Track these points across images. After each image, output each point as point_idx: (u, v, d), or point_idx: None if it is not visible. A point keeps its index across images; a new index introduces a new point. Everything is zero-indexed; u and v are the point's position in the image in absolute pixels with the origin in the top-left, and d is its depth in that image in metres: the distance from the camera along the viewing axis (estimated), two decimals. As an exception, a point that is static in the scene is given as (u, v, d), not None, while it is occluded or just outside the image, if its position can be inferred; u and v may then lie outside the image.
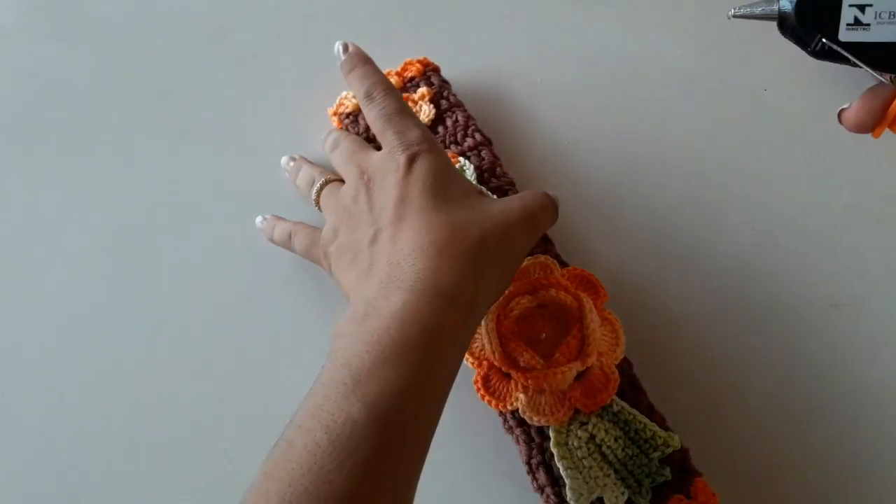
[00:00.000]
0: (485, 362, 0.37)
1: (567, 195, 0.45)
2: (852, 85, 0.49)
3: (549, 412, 0.36)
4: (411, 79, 0.48)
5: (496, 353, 0.36)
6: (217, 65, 0.52)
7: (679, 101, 0.49)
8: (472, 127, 0.46)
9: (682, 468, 0.35)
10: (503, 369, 0.36)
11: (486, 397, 0.36)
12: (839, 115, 0.31)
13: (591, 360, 0.36)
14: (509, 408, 0.36)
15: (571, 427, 0.36)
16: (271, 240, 0.43)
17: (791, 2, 0.28)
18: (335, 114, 0.48)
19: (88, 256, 0.45)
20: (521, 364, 0.36)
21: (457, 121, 0.46)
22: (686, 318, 0.42)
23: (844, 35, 0.28)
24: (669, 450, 0.35)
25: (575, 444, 0.35)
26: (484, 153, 0.45)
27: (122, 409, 0.40)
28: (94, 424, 0.40)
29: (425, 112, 0.46)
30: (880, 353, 0.41)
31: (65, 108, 0.51)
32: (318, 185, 0.42)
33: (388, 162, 0.37)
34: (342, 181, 0.41)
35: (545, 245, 0.42)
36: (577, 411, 0.36)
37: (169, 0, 0.55)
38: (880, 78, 0.28)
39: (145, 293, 0.43)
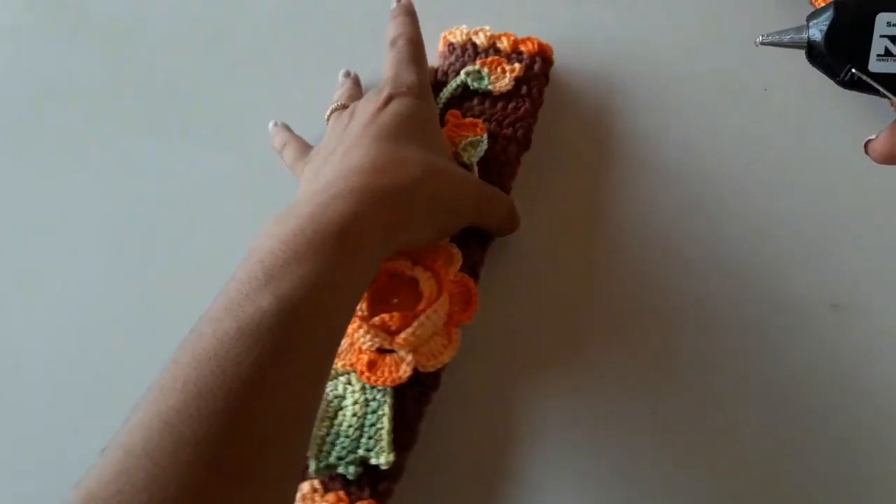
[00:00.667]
0: (364, 353, 0.37)
1: (567, 195, 0.45)
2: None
3: (443, 348, 0.38)
4: (519, 52, 0.47)
5: (370, 332, 0.37)
6: (217, 65, 0.52)
7: (678, 101, 0.49)
8: (523, 124, 0.45)
9: (368, 480, 0.35)
10: (386, 343, 0.37)
11: (375, 378, 0.37)
12: (865, 146, 0.31)
13: (447, 283, 0.39)
14: (404, 376, 0.37)
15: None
16: (273, 146, 0.46)
17: (821, 31, 0.28)
18: (445, 39, 0.49)
19: (88, 256, 0.45)
20: (397, 330, 0.37)
21: (517, 108, 0.45)
22: (685, 318, 0.42)
23: (875, 66, 0.27)
24: (371, 459, 0.35)
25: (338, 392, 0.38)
26: (510, 150, 0.44)
27: (121, 410, 0.40)
28: (94, 425, 0.40)
29: (502, 83, 0.46)
30: (880, 353, 0.41)
31: (65, 108, 0.51)
32: (331, 108, 0.45)
33: (374, 96, 0.40)
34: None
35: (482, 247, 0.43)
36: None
37: (169, 0, 0.55)
38: None
39: (145, 293, 0.43)
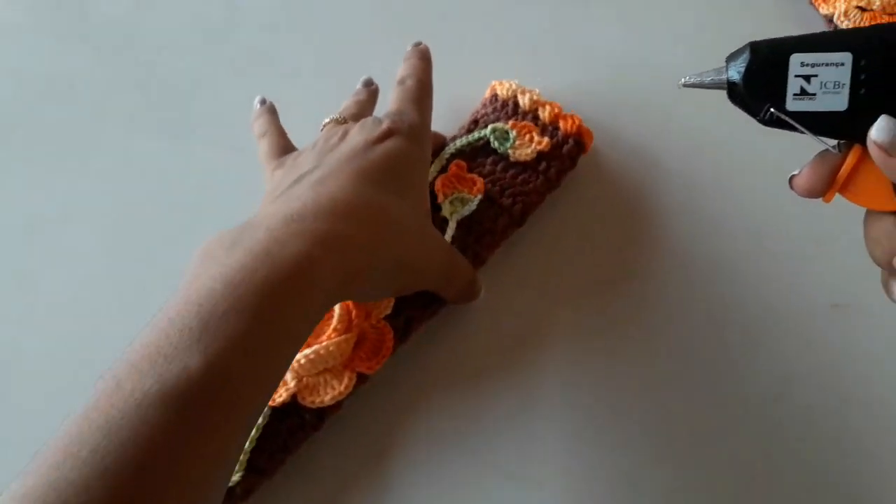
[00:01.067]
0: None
1: (565, 197, 0.45)
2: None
3: (330, 389, 0.36)
4: (556, 127, 0.45)
5: None
6: (217, 65, 0.52)
7: (678, 102, 0.49)
8: (525, 200, 0.42)
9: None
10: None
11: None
12: (790, 181, 0.32)
13: (363, 324, 0.38)
14: (278, 401, 0.36)
15: None
16: (252, 129, 0.43)
17: (739, 72, 0.29)
18: (492, 88, 0.47)
19: (88, 256, 0.45)
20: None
21: (526, 181, 0.43)
22: (685, 318, 0.42)
23: (792, 105, 0.28)
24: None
25: None
26: (500, 221, 0.42)
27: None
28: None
29: (524, 151, 0.43)
30: (880, 353, 0.41)
31: (65, 108, 0.51)
32: (333, 117, 0.42)
33: (373, 123, 0.37)
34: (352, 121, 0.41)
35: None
36: (360, 376, 0.38)
37: (169, 0, 0.55)
38: (827, 145, 0.29)
39: (145, 293, 0.43)
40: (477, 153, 0.44)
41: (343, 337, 0.36)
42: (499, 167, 0.43)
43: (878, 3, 0.48)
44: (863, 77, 0.28)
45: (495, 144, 0.44)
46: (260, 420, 0.36)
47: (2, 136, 0.50)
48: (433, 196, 0.42)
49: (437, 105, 0.49)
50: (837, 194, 0.30)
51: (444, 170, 0.43)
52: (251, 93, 0.51)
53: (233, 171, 0.48)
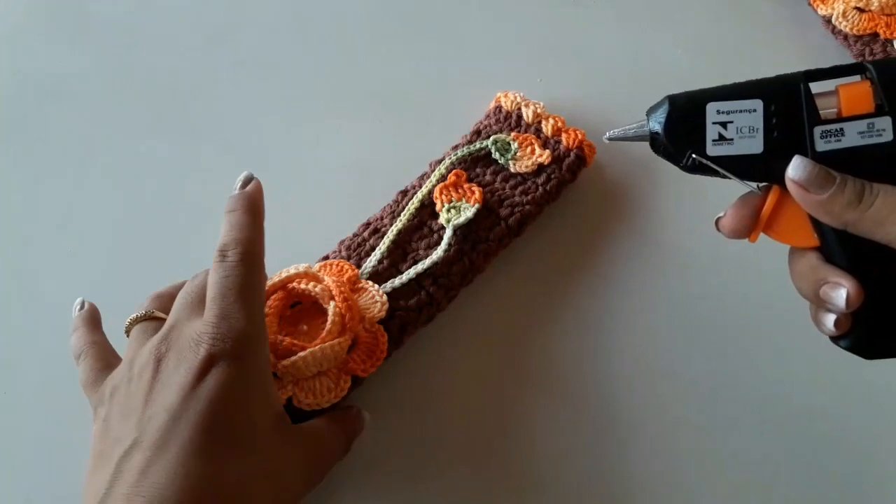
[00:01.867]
0: None
1: (565, 208, 0.45)
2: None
3: (326, 391, 0.36)
4: (558, 140, 0.45)
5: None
6: (217, 65, 0.52)
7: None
8: (522, 211, 0.42)
9: None
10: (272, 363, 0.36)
11: None
12: (716, 223, 0.33)
13: (357, 328, 0.38)
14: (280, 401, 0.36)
15: None
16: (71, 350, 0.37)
17: (659, 123, 0.31)
18: (497, 99, 0.47)
19: (88, 256, 0.45)
20: (284, 354, 0.36)
21: (524, 193, 0.43)
22: (684, 318, 0.42)
23: (712, 150, 0.30)
24: None
25: None
26: (496, 231, 0.42)
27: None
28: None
29: (524, 163, 0.44)
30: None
31: (65, 108, 0.51)
32: (132, 317, 0.36)
33: (189, 351, 0.31)
34: (162, 320, 0.35)
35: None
36: (355, 379, 0.37)
37: (169, 0, 0.55)
38: (751, 187, 0.31)
39: (145, 293, 0.43)
40: (478, 163, 0.45)
41: (337, 340, 0.36)
42: (499, 178, 0.44)
43: (876, 3, 0.48)
44: (774, 121, 0.30)
45: (496, 155, 0.44)
46: None
47: (2, 135, 0.50)
48: (432, 204, 0.43)
49: (442, 113, 0.49)
50: (762, 234, 0.32)
51: (443, 178, 0.44)
52: (252, 93, 0.51)
53: (233, 171, 0.47)
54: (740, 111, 0.30)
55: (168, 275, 0.44)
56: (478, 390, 0.40)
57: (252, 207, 0.35)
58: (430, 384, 0.41)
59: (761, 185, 0.31)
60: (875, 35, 0.49)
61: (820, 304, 0.31)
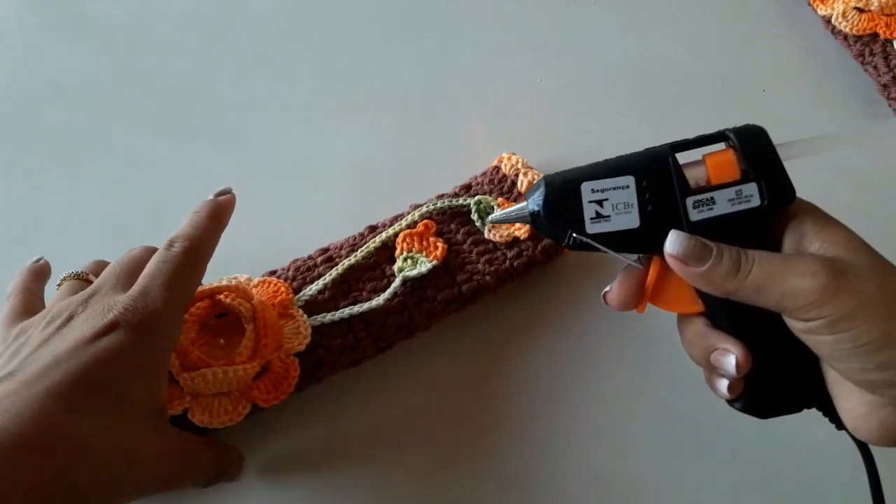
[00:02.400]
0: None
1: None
2: (848, 86, 0.50)
3: (223, 412, 0.35)
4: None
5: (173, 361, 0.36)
6: (217, 65, 0.52)
7: (679, 101, 0.50)
8: (480, 280, 0.40)
9: None
10: (175, 372, 0.35)
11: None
12: (604, 297, 0.33)
13: (271, 356, 0.37)
14: (170, 413, 0.35)
15: None
16: None
17: (538, 205, 0.31)
18: (500, 159, 0.45)
19: (88, 256, 0.45)
20: (190, 366, 0.36)
21: (489, 262, 0.41)
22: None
23: (591, 228, 0.31)
24: None
25: None
26: (445, 294, 0.40)
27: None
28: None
29: (499, 232, 0.41)
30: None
31: (65, 108, 0.51)
32: (67, 273, 0.37)
33: (99, 314, 0.31)
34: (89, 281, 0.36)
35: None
36: (254, 408, 0.36)
37: (169, 0, 0.55)
38: (629, 261, 0.32)
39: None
40: (455, 218, 0.43)
41: (244, 365, 0.35)
42: (469, 240, 0.42)
43: (875, 4, 0.48)
44: (647, 196, 0.31)
45: (475, 217, 0.42)
46: None
47: (2, 135, 0.50)
48: (394, 248, 0.41)
49: (441, 113, 0.49)
50: (650, 304, 0.32)
51: (414, 224, 0.42)
52: (252, 94, 0.51)
53: (234, 171, 0.48)
54: (614, 188, 0.31)
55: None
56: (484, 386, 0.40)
57: (215, 214, 0.37)
58: (435, 380, 0.40)
59: (642, 257, 0.32)
60: (875, 35, 0.49)
61: (711, 370, 0.32)
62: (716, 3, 0.54)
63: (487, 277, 0.40)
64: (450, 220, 0.43)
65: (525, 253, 0.41)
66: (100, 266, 0.38)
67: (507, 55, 0.52)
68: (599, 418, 0.39)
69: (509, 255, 0.41)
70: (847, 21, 0.49)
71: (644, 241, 0.31)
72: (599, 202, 0.31)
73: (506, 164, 0.44)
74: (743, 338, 0.31)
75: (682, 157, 0.31)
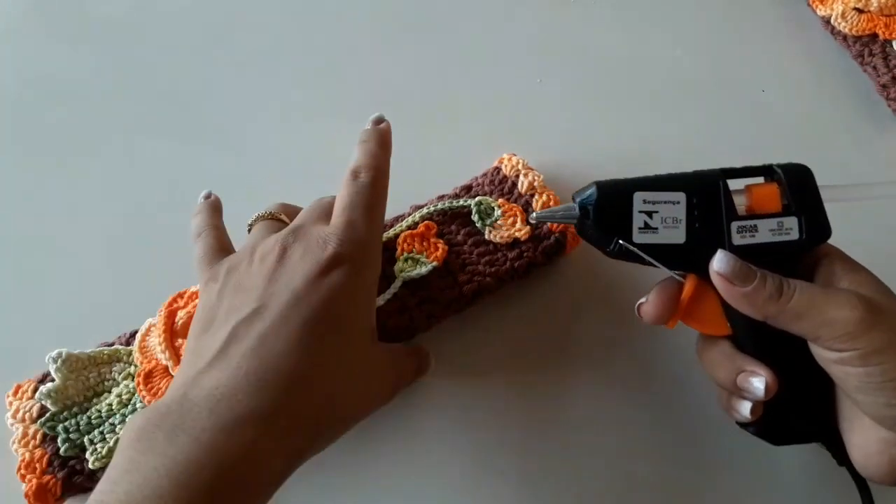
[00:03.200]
0: (154, 360, 0.37)
1: (565, 196, 0.46)
2: (848, 86, 0.50)
3: None
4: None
5: (163, 347, 0.37)
6: (217, 65, 0.52)
7: (679, 102, 0.50)
8: (480, 282, 0.40)
9: (72, 466, 0.36)
10: (170, 366, 0.36)
11: (143, 391, 0.37)
12: (637, 309, 0.34)
13: None
14: None
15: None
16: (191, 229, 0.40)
17: (587, 207, 0.32)
18: (500, 160, 0.45)
19: (89, 256, 0.45)
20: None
21: (489, 263, 0.41)
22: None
23: (637, 237, 0.31)
24: (87, 452, 0.36)
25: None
26: (445, 295, 0.40)
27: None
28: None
29: (499, 233, 0.41)
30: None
31: (66, 108, 0.51)
32: (259, 213, 0.39)
33: (317, 247, 0.33)
34: (285, 223, 0.38)
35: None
36: None
37: (169, 0, 0.55)
38: (672, 274, 0.32)
39: (145, 293, 0.43)
40: (455, 219, 0.43)
41: None
42: (470, 241, 0.42)
43: (875, 4, 0.49)
44: (696, 214, 0.31)
45: (475, 218, 0.42)
46: None
47: (3, 135, 0.50)
48: (394, 249, 0.41)
49: (440, 112, 0.49)
50: (680, 321, 0.33)
51: (414, 226, 0.42)
52: (253, 94, 0.51)
53: (233, 171, 0.48)
54: (665, 202, 0.31)
55: (168, 274, 0.44)
56: (485, 383, 0.40)
57: (383, 141, 0.38)
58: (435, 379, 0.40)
59: (682, 273, 0.33)
60: (874, 36, 0.49)
61: (736, 391, 0.32)
62: (716, 3, 0.54)
63: (488, 278, 0.40)
64: (450, 220, 0.43)
65: (525, 254, 0.41)
66: (287, 207, 0.40)
67: (506, 55, 0.52)
68: (599, 420, 0.40)
69: (510, 256, 0.41)
70: (846, 21, 0.49)
71: (687, 258, 0.32)
72: (649, 213, 0.31)
73: (506, 165, 0.44)
74: (769, 363, 0.31)
75: (732, 184, 0.32)
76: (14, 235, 0.46)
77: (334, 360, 0.31)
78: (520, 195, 0.43)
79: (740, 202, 0.32)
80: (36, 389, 0.37)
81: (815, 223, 0.32)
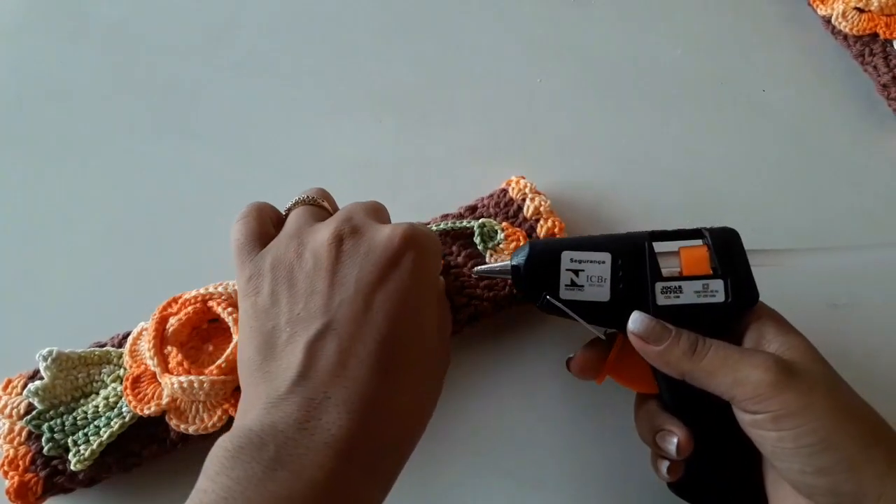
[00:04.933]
0: (143, 365, 0.37)
1: (565, 195, 0.45)
2: (848, 86, 0.49)
3: (198, 421, 0.35)
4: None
5: (152, 353, 0.36)
6: (217, 65, 0.52)
7: (679, 101, 0.50)
8: (478, 306, 0.39)
9: (55, 466, 0.36)
10: (158, 373, 0.36)
11: (129, 396, 0.36)
12: (567, 363, 0.35)
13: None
14: (146, 412, 0.35)
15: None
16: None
17: (520, 263, 0.34)
18: (507, 182, 0.44)
19: (88, 256, 0.45)
20: (171, 369, 0.36)
21: (487, 288, 0.40)
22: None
23: (564, 294, 0.33)
24: (70, 453, 0.35)
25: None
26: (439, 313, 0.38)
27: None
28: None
29: (500, 258, 0.40)
30: (879, 354, 0.41)
31: (65, 108, 0.51)
32: (300, 197, 0.36)
33: (380, 240, 0.31)
34: (328, 213, 0.35)
35: None
36: (231, 419, 0.35)
37: (169, 0, 0.55)
38: (595, 332, 0.34)
39: (145, 293, 0.43)
40: (457, 240, 0.42)
41: (222, 378, 0.35)
42: (470, 263, 0.41)
43: (875, 4, 0.48)
44: (620, 274, 0.33)
45: (477, 240, 0.41)
46: (126, 419, 0.36)
47: (2, 135, 0.50)
48: None
49: (440, 112, 0.49)
50: (608, 377, 0.35)
51: None
52: (252, 94, 0.51)
53: (233, 172, 0.48)
54: (591, 261, 0.33)
55: (168, 275, 0.44)
56: (486, 383, 0.40)
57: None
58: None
59: (608, 331, 0.34)
60: (874, 35, 0.49)
61: (657, 450, 0.33)
62: (716, 3, 0.54)
63: (485, 303, 0.39)
64: (452, 241, 0.42)
65: None
66: (326, 193, 0.37)
67: (506, 55, 0.52)
68: (596, 447, 0.39)
69: (509, 281, 0.40)
70: (847, 21, 0.49)
71: (611, 316, 0.33)
72: (576, 272, 0.33)
73: (513, 188, 0.43)
74: (689, 423, 0.32)
75: (659, 247, 0.34)
76: (14, 235, 0.46)
77: (412, 373, 0.30)
78: (525, 219, 0.42)
79: (675, 265, 0.33)
80: (25, 386, 0.37)
81: (742, 286, 0.32)
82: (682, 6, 0.53)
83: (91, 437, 0.35)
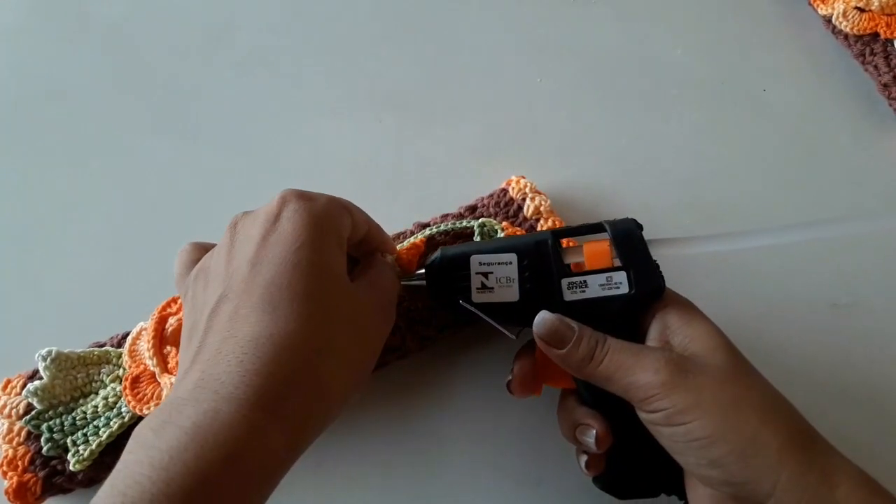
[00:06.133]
0: (142, 365, 0.37)
1: (565, 195, 0.45)
2: (849, 86, 0.49)
3: None
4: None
5: (151, 353, 0.36)
6: (217, 65, 0.52)
7: (679, 101, 0.49)
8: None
9: (54, 466, 0.36)
10: (157, 373, 0.36)
11: (128, 396, 0.36)
12: (507, 386, 0.35)
13: None
14: (145, 412, 0.36)
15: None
16: None
17: (431, 270, 0.34)
18: (508, 182, 0.44)
19: (88, 256, 0.45)
20: (170, 369, 0.36)
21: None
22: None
23: (476, 297, 0.33)
24: (69, 454, 0.36)
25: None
26: (440, 316, 0.39)
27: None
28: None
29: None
30: (879, 353, 0.41)
31: (65, 108, 0.51)
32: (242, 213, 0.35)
33: (262, 210, 0.32)
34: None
35: None
36: None
37: (169, 0, 0.55)
38: (507, 333, 0.34)
39: (145, 293, 0.43)
40: (457, 240, 0.42)
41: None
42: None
43: (876, 3, 0.48)
44: (527, 274, 0.33)
45: (477, 240, 0.41)
46: (126, 419, 0.36)
47: (2, 135, 0.50)
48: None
49: (440, 112, 0.49)
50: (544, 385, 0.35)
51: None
52: (252, 94, 0.51)
53: (233, 172, 0.48)
54: (498, 263, 0.33)
55: (168, 275, 0.44)
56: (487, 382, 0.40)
57: None
58: (438, 379, 0.40)
59: (520, 331, 0.34)
60: (875, 35, 0.49)
61: (577, 444, 0.33)
62: (716, 3, 0.53)
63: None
64: (452, 241, 0.42)
65: None
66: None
67: (506, 55, 0.52)
68: None
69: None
70: (847, 21, 0.49)
71: (523, 315, 0.33)
72: (485, 274, 0.33)
73: (513, 188, 0.44)
74: (607, 416, 0.32)
75: (571, 243, 0.34)
76: (14, 235, 0.46)
77: (306, 309, 0.28)
78: (525, 219, 0.43)
79: (580, 260, 0.33)
80: (25, 386, 0.37)
81: (645, 276, 0.32)
82: (682, 6, 0.53)
83: (90, 438, 0.36)
